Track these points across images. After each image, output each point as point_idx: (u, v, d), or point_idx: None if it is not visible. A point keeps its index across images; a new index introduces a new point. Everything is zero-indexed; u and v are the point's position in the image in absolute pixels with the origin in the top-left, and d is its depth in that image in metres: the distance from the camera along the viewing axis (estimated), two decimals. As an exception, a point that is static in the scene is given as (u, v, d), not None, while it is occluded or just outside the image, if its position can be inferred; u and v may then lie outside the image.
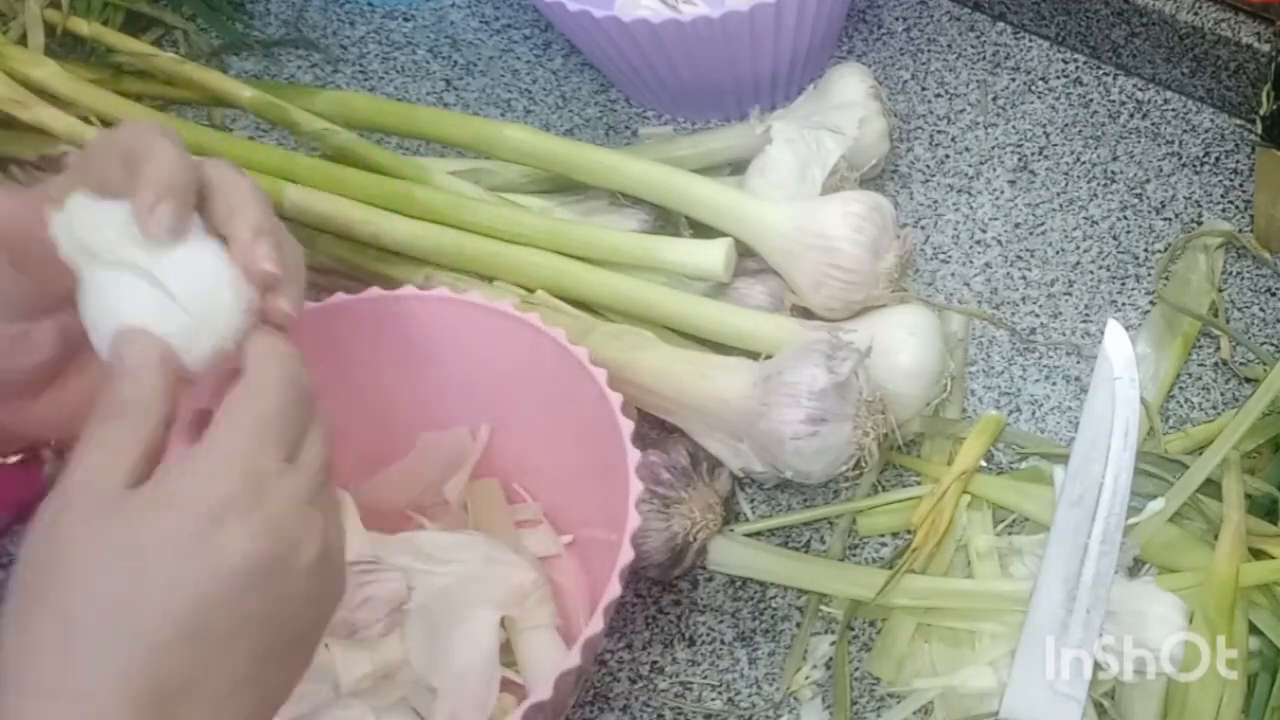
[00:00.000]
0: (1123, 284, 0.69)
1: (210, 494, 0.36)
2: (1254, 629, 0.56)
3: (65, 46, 0.76)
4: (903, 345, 0.59)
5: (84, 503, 0.36)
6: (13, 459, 0.47)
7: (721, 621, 0.60)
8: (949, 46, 0.78)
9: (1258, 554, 0.57)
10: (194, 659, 0.35)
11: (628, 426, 0.53)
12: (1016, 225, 0.71)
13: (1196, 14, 0.71)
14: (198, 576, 0.35)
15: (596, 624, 0.49)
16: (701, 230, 0.64)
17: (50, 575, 0.35)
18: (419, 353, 0.58)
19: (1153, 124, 0.74)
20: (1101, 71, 0.76)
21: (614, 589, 0.49)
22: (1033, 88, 0.76)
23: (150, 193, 0.39)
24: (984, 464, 0.62)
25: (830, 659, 0.58)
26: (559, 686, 0.48)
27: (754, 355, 0.59)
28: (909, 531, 0.60)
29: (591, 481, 0.56)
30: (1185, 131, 0.74)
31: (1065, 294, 0.69)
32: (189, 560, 0.35)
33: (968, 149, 0.74)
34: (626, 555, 0.50)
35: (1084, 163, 0.73)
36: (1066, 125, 0.74)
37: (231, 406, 0.38)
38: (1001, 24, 0.79)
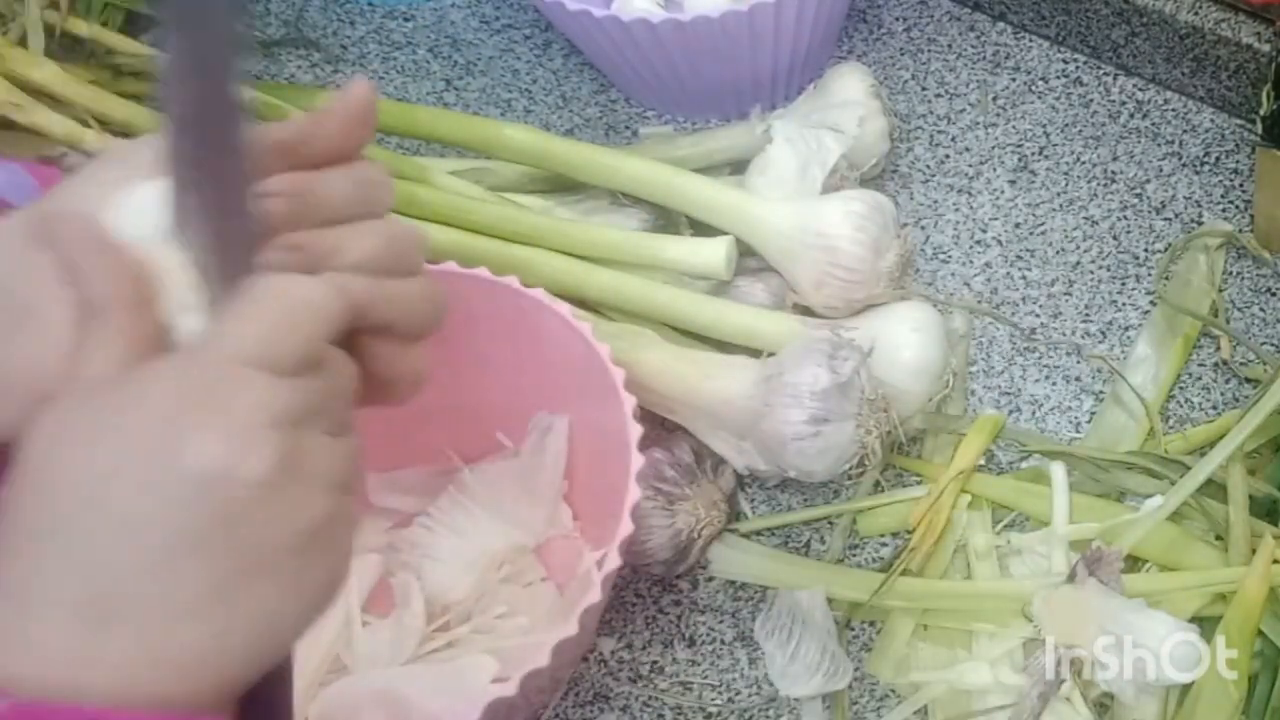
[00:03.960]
0: (1123, 284, 0.69)
1: (168, 388, 0.33)
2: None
3: (64, 48, 0.76)
4: (906, 341, 0.59)
5: (52, 404, 0.33)
6: None
7: (721, 621, 0.60)
8: (949, 46, 0.78)
9: (1259, 554, 0.57)
10: (133, 568, 0.32)
11: (630, 402, 0.53)
12: (1016, 225, 0.71)
13: (1196, 14, 0.71)
14: (139, 477, 0.32)
15: (595, 594, 0.49)
16: (702, 229, 0.64)
17: (15, 472, 0.33)
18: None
19: (1153, 124, 0.74)
20: (1101, 71, 0.76)
21: (613, 560, 0.50)
22: (1033, 88, 0.76)
23: None
24: (984, 464, 0.62)
25: (831, 659, 0.58)
26: (557, 654, 0.48)
27: (756, 353, 0.59)
28: (909, 531, 0.60)
29: (597, 466, 0.56)
30: (1185, 131, 0.74)
31: (1065, 294, 0.69)
32: (133, 458, 0.32)
33: (968, 149, 0.74)
34: (626, 528, 0.50)
35: (1084, 163, 0.73)
36: (1066, 125, 0.74)
37: (229, 310, 0.35)
38: (1001, 24, 0.79)
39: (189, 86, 0.37)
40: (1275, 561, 0.56)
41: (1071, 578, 0.55)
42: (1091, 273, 0.69)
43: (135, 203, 0.38)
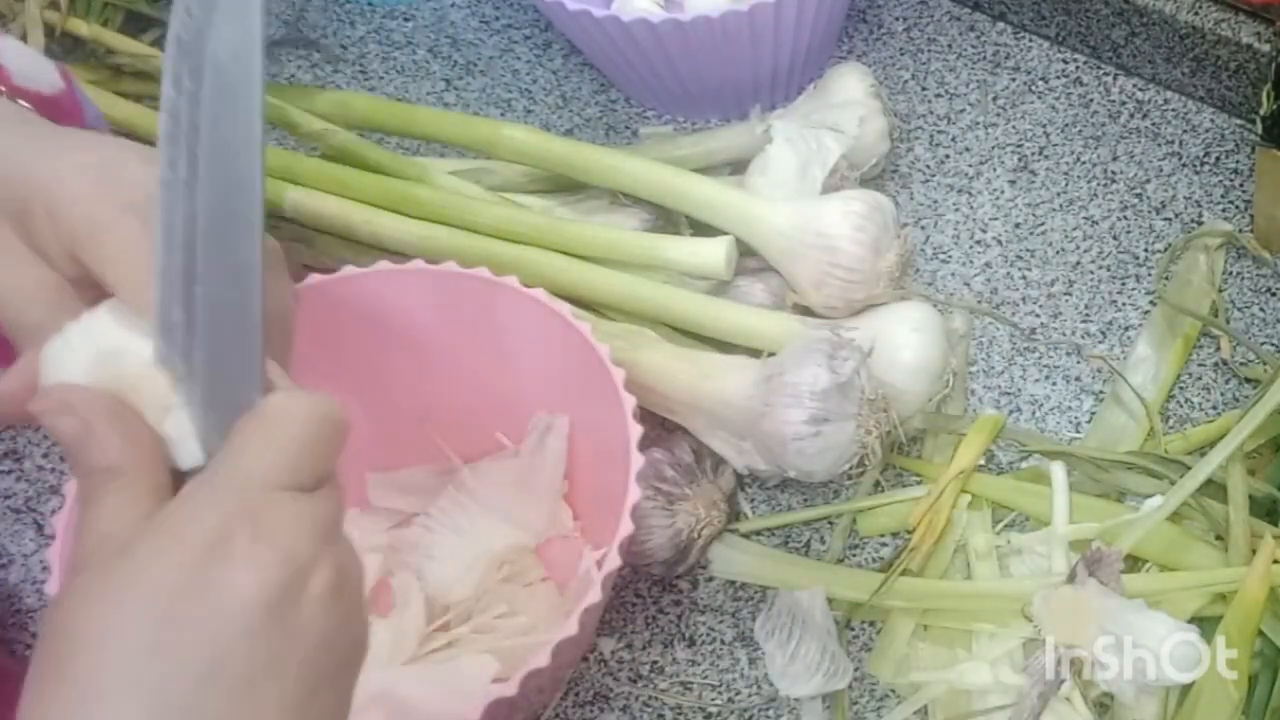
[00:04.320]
0: (1123, 284, 0.69)
1: (207, 523, 0.33)
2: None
3: (64, 47, 0.76)
4: (905, 341, 0.59)
5: (88, 569, 0.33)
6: None
7: (721, 621, 0.60)
8: (949, 46, 0.78)
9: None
10: (216, 711, 0.32)
11: (629, 402, 0.53)
12: (1016, 225, 0.71)
13: (1196, 14, 0.71)
14: (206, 616, 0.32)
15: (595, 594, 0.49)
16: (702, 229, 0.64)
17: (60, 644, 0.32)
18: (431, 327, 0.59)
19: (1153, 124, 0.74)
20: (1101, 71, 0.76)
21: (613, 560, 0.50)
22: (1033, 88, 0.76)
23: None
24: (984, 464, 0.62)
25: (831, 659, 0.58)
26: (557, 654, 0.48)
27: (756, 353, 0.59)
28: (909, 532, 0.60)
29: (597, 466, 0.56)
30: (1185, 131, 0.74)
31: (1065, 294, 0.69)
32: (193, 601, 0.32)
33: (968, 149, 0.74)
34: (626, 528, 0.50)
35: (1084, 163, 0.73)
36: (1066, 125, 0.74)
37: (242, 428, 0.35)
38: (1001, 24, 0.79)
39: (205, 195, 0.36)
40: (1275, 561, 0.56)
41: (1071, 578, 0.55)
42: (1091, 273, 0.69)
43: (89, 331, 0.38)
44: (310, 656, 0.34)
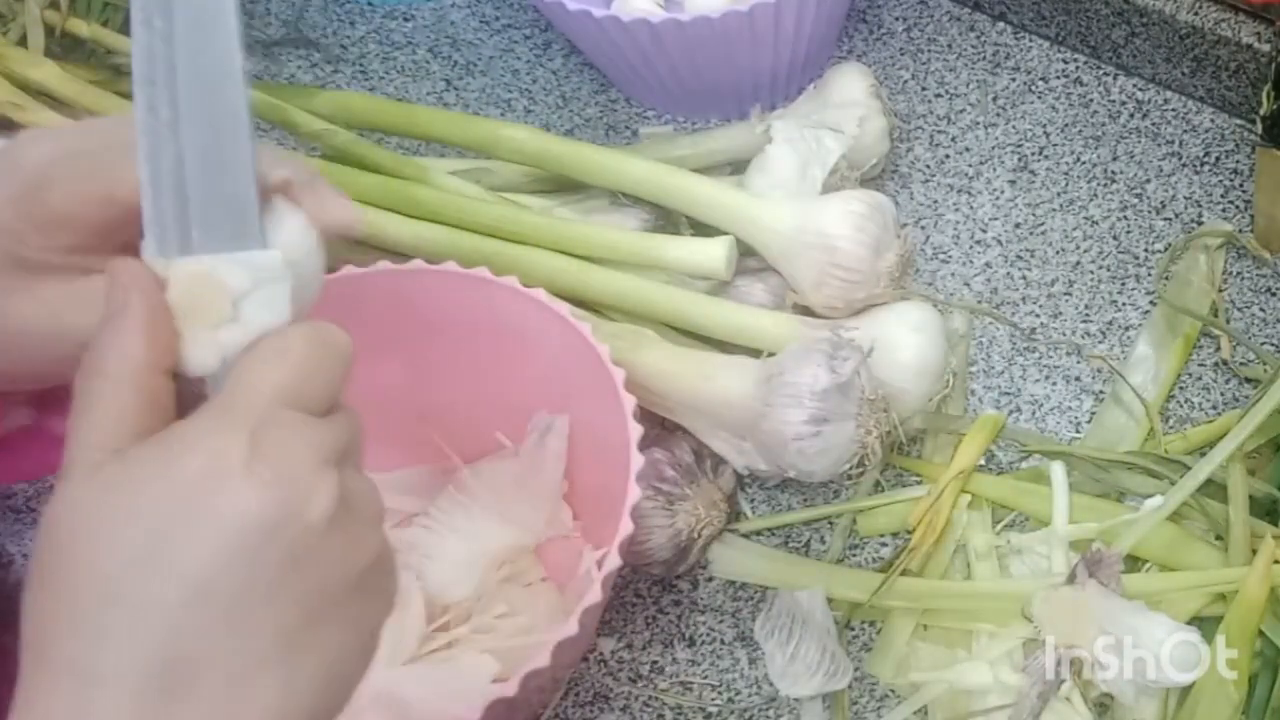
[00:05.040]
0: (1123, 284, 0.69)
1: (207, 439, 0.32)
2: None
3: (65, 47, 0.76)
4: (905, 341, 0.59)
5: (80, 467, 0.33)
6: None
7: (721, 621, 0.60)
8: (949, 46, 0.78)
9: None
10: (204, 627, 0.31)
11: (630, 402, 0.53)
12: (1016, 225, 0.71)
13: (1196, 14, 0.71)
14: (201, 532, 0.31)
15: (595, 594, 0.49)
16: (702, 229, 0.64)
17: (54, 547, 0.32)
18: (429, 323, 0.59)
19: (1153, 124, 0.74)
20: (1101, 71, 0.76)
21: (613, 560, 0.50)
22: (1033, 88, 0.76)
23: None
24: (984, 464, 0.62)
25: (831, 659, 0.58)
26: (557, 654, 0.48)
27: (756, 353, 0.59)
28: (909, 532, 0.60)
29: (597, 466, 0.56)
30: (1185, 131, 0.74)
31: (1065, 294, 0.69)
32: (190, 515, 0.31)
33: (968, 149, 0.74)
34: (626, 528, 0.50)
35: (1084, 163, 0.73)
36: (1066, 125, 0.74)
37: (246, 355, 0.35)
38: (1001, 24, 0.79)
39: (190, 134, 0.35)
40: (1275, 561, 0.56)
41: (1071, 578, 0.56)
42: (1091, 273, 0.69)
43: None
44: (309, 583, 0.33)
